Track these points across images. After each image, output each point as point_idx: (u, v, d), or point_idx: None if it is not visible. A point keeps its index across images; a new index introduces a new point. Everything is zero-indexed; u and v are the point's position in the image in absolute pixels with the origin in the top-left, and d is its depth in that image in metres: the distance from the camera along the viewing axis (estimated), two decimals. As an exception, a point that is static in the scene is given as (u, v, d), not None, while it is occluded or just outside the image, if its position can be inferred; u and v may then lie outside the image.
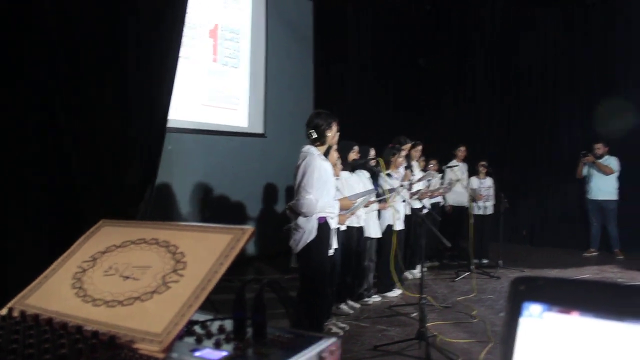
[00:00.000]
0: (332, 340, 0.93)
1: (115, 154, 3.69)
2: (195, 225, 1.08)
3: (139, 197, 3.73)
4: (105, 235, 1.19)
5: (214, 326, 1.02)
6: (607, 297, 0.59)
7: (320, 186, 4.23)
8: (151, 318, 0.89)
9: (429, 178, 6.95)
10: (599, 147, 8.82)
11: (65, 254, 1.20)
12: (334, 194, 4.48)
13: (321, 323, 4.48)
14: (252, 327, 0.93)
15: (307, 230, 4.24)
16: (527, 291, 0.62)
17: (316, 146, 4.37)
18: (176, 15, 4.07)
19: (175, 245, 1.02)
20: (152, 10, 3.87)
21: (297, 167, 4.26)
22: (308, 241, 4.24)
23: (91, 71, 3.49)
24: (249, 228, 1.00)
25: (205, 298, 0.91)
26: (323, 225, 4.29)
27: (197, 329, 1.02)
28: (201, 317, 1.04)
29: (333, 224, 4.47)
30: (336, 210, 4.41)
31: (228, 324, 1.01)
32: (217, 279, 0.93)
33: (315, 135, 4.38)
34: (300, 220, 4.27)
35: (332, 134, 4.39)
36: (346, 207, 4.79)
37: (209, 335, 0.99)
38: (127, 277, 0.98)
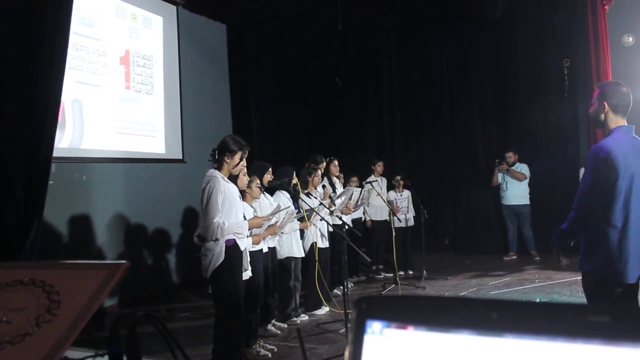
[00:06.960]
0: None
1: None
2: (72, 263, 1.07)
3: (23, 236, 3.53)
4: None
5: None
6: (435, 311, 0.62)
7: (227, 209, 4.15)
8: (23, 361, 0.88)
9: (349, 193, 7.03)
10: (510, 156, 9.29)
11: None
12: (241, 215, 4.38)
13: (240, 348, 4.37)
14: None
15: (216, 253, 4.14)
16: (369, 310, 0.65)
17: (220, 170, 4.30)
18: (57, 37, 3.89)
19: (51, 284, 1.00)
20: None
21: (202, 192, 4.18)
22: (217, 265, 4.13)
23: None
24: (124, 263, 1.00)
25: (80, 334, 0.90)
26: (232, 247, 4.19)
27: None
28: (80, 355, 1.03)
29: (243, 245, 4.35)
30: (245, 231, 4.31)
31: (105, 361, 1.00)
32: (90, 316, 0.92)
33: (215, 155, 4.33)
34: (208, 244, 4.17)
35: (232, 163, 4.30)
36: (257, 226, 4.65)
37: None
38: (0, 321, 0.96)
